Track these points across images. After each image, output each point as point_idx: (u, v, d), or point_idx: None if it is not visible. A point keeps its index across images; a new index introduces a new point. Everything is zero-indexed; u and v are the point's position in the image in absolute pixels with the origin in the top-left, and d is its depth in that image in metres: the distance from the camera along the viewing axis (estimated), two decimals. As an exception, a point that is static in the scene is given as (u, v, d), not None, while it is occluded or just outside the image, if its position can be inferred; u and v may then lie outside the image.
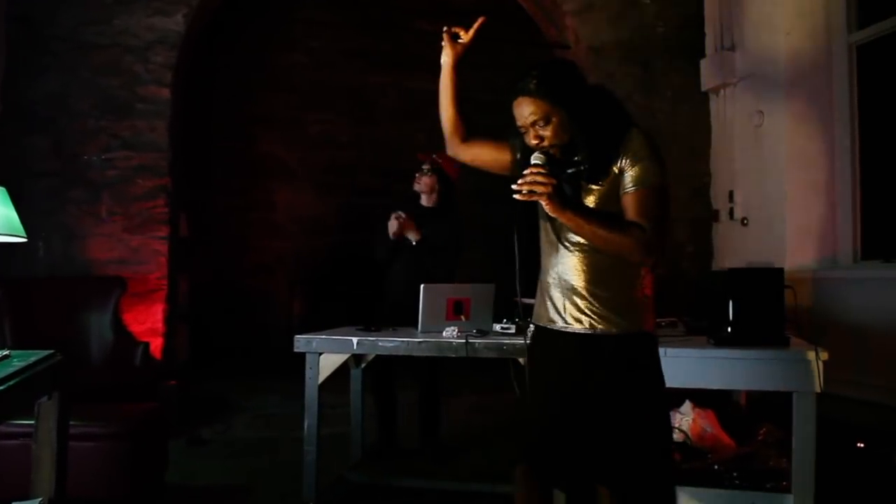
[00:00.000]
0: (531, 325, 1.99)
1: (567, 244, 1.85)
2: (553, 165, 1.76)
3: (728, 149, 4.73)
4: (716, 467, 2.83)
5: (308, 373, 2.90)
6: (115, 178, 4.50)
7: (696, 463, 2.87)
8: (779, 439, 3.00)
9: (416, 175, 3.78)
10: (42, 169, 4.44)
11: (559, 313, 1.86)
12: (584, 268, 1.83)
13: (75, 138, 4.48)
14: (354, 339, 2.90)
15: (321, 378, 2.91)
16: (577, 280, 1.84)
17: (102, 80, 4.51)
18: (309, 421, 2.89)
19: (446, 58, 2.01)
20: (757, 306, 2.55)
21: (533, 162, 1.75)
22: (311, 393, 2.89)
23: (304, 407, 2.90)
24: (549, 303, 1.89)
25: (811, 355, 2.41)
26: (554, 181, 1.70)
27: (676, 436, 3.09)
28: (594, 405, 1.79)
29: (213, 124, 6.86)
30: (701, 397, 3.24)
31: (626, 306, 1.82)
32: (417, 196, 3.80)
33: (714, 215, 4.89)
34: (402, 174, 4.64)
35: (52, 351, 2.07)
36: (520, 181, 1.70)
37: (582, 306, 1.82)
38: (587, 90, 1.85)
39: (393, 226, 3.56)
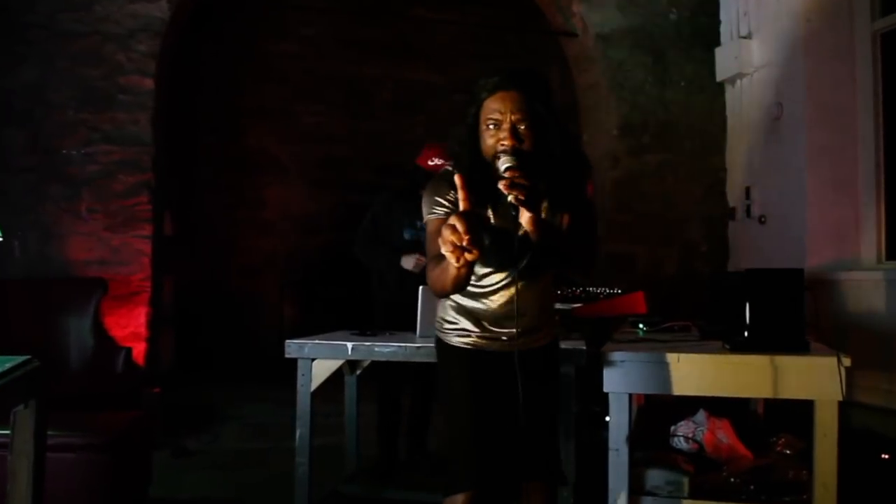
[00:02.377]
0: (445, 345, 2.03)
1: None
2: (524, 170, 1.70)
3: (745, 142, 4.73)
4: (732, 480, 2.83)
5: (300, 380, 2.90)
6: (96, 173, 4.50)
7: (710, 475, 2.87)
8: (798, 450, 3.00)
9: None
10: (18, 164, 4.44)
11: (493, 332, 1.97)
12: (524, 286, 1.91)
13: (53, 132, 4.47)
14: (349, 344, 2.90)
15: (314, 385, 2.91)
16: (513, 298, 1.92)
17: (82, 69, 4.51)
18: (301, 431, 2.88)
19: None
20: (775, 309, 2.54)
21: (507, 165, 1.69)
22: (303, 401, 2.89)
23: (295, 416, 2.90)
24: (478, 322, 1.97)
25: (832, 361, 2.41)
26: (529, 184, 1.66)
27: (691, 446, 3.09)
28: (529, 412, 1.89)
29: (199, 117, 6.86)
30: (716, 406, 3.23)
31: (551, 317, 2.07)
32: (415, 189, 3.69)
33: (730, 213, 4.89)
34: (399, 169, 4.65)
35: (28, 357, 2.06)
36: (503, 183, 1.66)
37: (522, 323, 1.94)
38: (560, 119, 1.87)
39: (410, 265, 3.55)
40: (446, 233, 1.46)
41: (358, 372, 3.56)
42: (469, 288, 1.93)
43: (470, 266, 1.62)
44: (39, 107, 4.48)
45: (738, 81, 4.75)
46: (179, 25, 4.87)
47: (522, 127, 1.77)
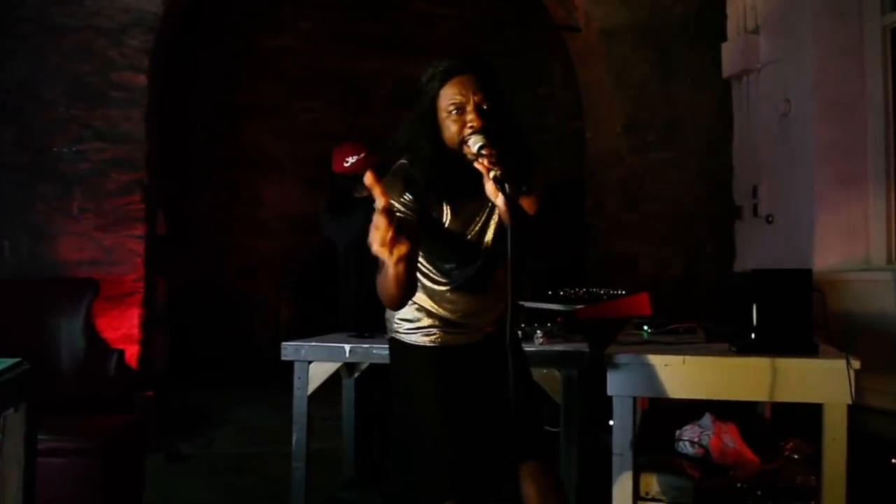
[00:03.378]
0: (403, 345, 2.02)
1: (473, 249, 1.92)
2: (497, 148, 1.73)
3: (752, 140, 4.73)
4: (738, 485, 2.83)
5: (296, 383, 2.90)
6: (87, 171, 4.50)
7: (716, 480, 2.87)
8: (806, 455, 3.01)
9: (358, 186, 3.48)
10: (7, 162, 4.43)
11: (459, 327, 1.97)
12: (486, 273, 1.94)
13: (44, 128, 4.47)
14: (347, 347, 2.90)
15: (311, 388, 2.91)
16: (480, 284, 1.95)
17: (73, 65, 4.51)
18: (297, 435, 2.89)
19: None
20: (783, 311, 2.54)
21: (479, 144, 1.71)
22: (299, 405, 2.89)
23: (292, 420, 2.90)
24: (443, 318, 1.96)
25: (841, 364, 2.41)
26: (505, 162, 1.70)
27: (696, 451, 3.10)
28: (507, 395, 1.87)
29: (193, 114, 6.86)
30: (722, 409, 3.24)
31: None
32: (345, 198, 3.58)
33: (736, 212, 4.89)
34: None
35: (18, 359, 2.06)
36: (482, 162, 1.69)
37: (489, 310, 1.98)
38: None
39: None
40: (372, 233, 1.45)
41: (356, 375, 3.56)
42: (432, 285, 1.95)
43: (409, 264, 1.60)
44: (30, 103, 4.47)
45: (745, 77, 4.75)
46: (173, 20, 4.87)
47: (486, 106, 1.78)
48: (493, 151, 1.69)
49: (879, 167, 4.03)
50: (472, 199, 1.86)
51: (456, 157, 1.78)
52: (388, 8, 7.09)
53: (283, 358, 2.92)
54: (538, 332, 2.92)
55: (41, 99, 4.48)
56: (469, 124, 1.76)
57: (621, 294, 3.57)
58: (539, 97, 6.93)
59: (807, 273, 2.62)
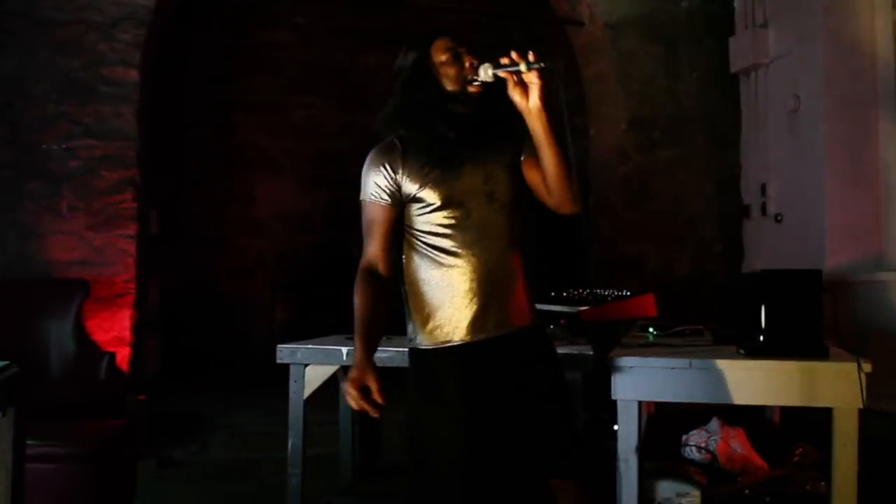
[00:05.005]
0: (420, 351, 1.96)
1: (484, 214, 1.89)
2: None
3: (760, 137, 4.73)
4: (746, 492, 2.83)
5: (292, 386, 2.89)
6: (78, 169, 4.50)
7: (724, 487, 2.88)
8: (816, 461, 3.00)
9: None
10: (-4, 159, 4.44)
11: (480, 320, 1.88)
12: (501, 255, 1.90)
13: (33, 125, 4.47)
14: (344, 349, 2.90)
15: (307, 392, 2.90)
16: (496, 269, 1.89)
17: (63, 60, 4.51)
18: (293, 440, 2.88)
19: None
20: (792, 312, 2.54)
21: (492, 64, 1.80)
22: (295, 409, 2.89)
23: (287, 424, 2.90)
24: (462, 311, 1.88)
25: (853, 367, 2.41)
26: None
27: (703, 456, 3.10)
28: (531, 409, 1.86)
29: (186, 110, 6.86)
30: (730, 414, 3.24)
31: (530, 290, 1.97)
32: None
33: (745, 211, 4.89)
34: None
35: (6, 362, 2.06)
36: (515, 54, 1.75)
37: (508, 302, 1.90)
38: None
39: None
40: (354, 393, 1.77)
41: (353, 378, 3.55)
42: (435, 254, 1.89)
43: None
44: (18, 99, 4.47)
45: (754, 73, 4.75)
46: (165, 14, 4.87)
47: (470, 54, 1.88)
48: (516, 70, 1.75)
49: (892, 165, 4.03)
50: (481, 145, 1.92)
51: (459, 99, 1.87)
52: (386, 1, 7.09)
53: (278, 361, 2.91)
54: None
55: (30, 95, 4.48)
56: (469, 63, 1.86)
57: (626, 295, 3.56)
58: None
59: (817, 274, 2.62)
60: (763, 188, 4.67)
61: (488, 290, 1.88)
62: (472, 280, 1.87)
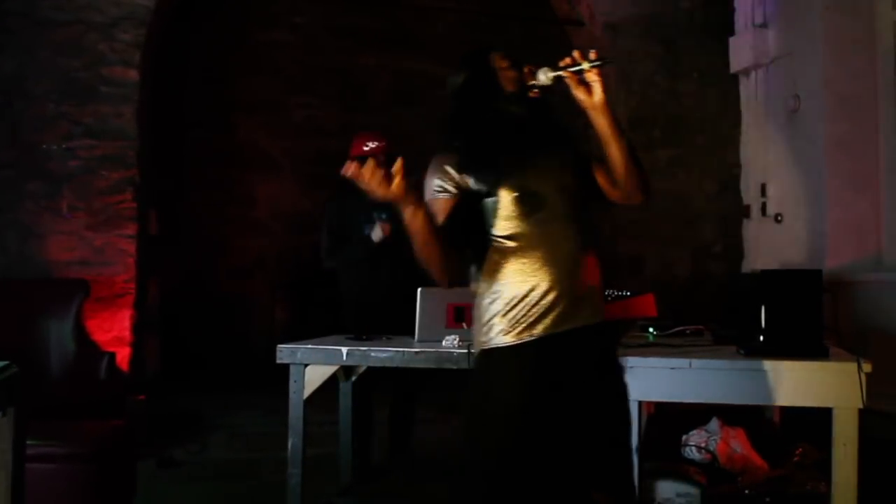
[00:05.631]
0: (491, 346, 1.90)
1: (556, 207, 1.90)
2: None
3: (760, 137, 4.73)
4: (746, 492, 2.83)
5: (292, 386, 2.89)
6: (77, 169, 4.50)
7: (724, 487, 2.88)
8: (816, 460, 3.01)
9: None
10: (-5, 159, 4.44)
11: (555, 315, 1.85)
12: (573, 240, 1.90)
13: (32, 125, 4.47)
14: (344, 350, 2.90)
15: (307, 392, 2.91)
16: (572, 264, 1.89)
17: (63, 60, 4.51)
18: (293, 440, 2.89)
19: (409, 206, 1.75)
20: (792, 312, 2.55)
21: (551, 68, 1.87)
22: (295, 409, 2.89)
23: (287, 424, 2.90)
24: (537, 306, 1.84)
25: (852, 367, 2.41)
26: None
27: (703, 456, 3.10)
28: (596, 408, 1.84)
29: (186, 110, 6.86)
30: (730, 414, 3.24)
31: (602, 287, 2.01)
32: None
33: (745, 211, 4.89)
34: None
35: (6, 362, 2.07)
36: (577, 53, 1.83)
37: (582, 294, 1.89)
38: None
39: (386, 230, 3.58)
40: (370, 189, 1.67)
41: (353, 378, 3.56)
42: (508, 244, 1.88)
43: (428, 221, 1.76)
44: (18, 99, 4.47)
45: (754, 73, 4.75)
46: (165, 14, 4.87)
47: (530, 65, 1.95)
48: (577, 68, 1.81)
49: (892, 164, 4.03)
50: (544, 144, 1.97)
51: (519, 101, 1.94)
52: (386, 1, 7.09)
53: (278, 361, 2.92)
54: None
55: (30, 95, 4.48)
56: (527, 69, 1.94)
57: (626, 295, 3.56)
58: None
59: (817, 274, 2.63)
60: (763, 188, 4.67)
61: (563, 285, 1.86)
62: (547, 273, 1.85)
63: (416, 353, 2.85)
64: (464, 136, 1.93)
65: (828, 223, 4.13)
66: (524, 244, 1.87)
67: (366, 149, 3.71)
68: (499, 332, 1.87)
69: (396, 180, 1.67)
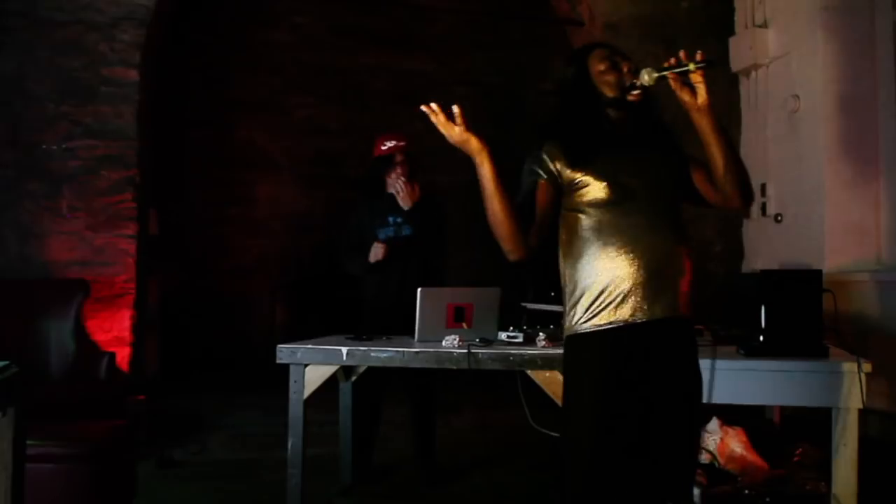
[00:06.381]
0: (575, 332, 1.92)
1: (648, 199, 1.91)
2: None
3: (760, 137, 4.73)
4: (746, 492, 2.83)
5: (292, 387, 2.90)
6: (78, 169, 4.50)
7: (723, 487, 2.88)
8: (816, 461, 3.00)
9: (389, 171, 3.72)
10: (-5, 159, 4.44)
11: (637, 301, 1.86)
12: (659, 234, 1.90)
13: (33, 125, 4.47)
14: (344, 350, 2.90)
15: (307, 393, 2.91)
16: (662, 256, 1.90)
17: (63, 60, 4.51)
18: (293, 440, 2.89)
19: (484, 163, 1.84)
20: (792, 312, 2.55)
21: (654, 69, 1.90)
22: (295, 409, 2.89)
23: (287, 425, 2.90)
24: (621, 291, 1.86)
25: (852, 367, 2.41)
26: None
27: (703, 456, 3.09)
28: (671, 412, 1.84)
29: (186, 110, 6.86)
30: (730, 414, 3.23)
31: (693, 286, 2.00)
32: (380, 185, 3.77)
33: (744, 211, 4.89)
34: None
35: (6, 362, 2.06)
36: (682, 56, 1.87)
37: (664, 287, 1.90)
38: None
39: (378, 254, 3.58)
40: (449, 137, 1.83)
41: (353, 378, 3.56)
42: (588, 231, 1.89)
43: (497, 180, 1.81)
44: (17, 99, 4.47)
45: (754, 73, 4.75)
46: (165, 14, 4.87)
47: (631, 64, 1.98)
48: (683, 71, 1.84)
49: (891, 165, 4.03)
50: (641, 143, 1.99)
51: (619, 105, 1.96)
52: (386, 1, 7.09)
53: (278, 361, 2.92)
54: (541, 334, 2.93)
55: (30, 95, 4.48)
56: (627, 69, 1.95)
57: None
58: (541, 92, 6.93)
59: (817, 274, 2.63)
60: (763, 188, 4.67)
61: (645, 276, 1.87)
62: (629, 264, 1.87)
63: (417, 352, 2.85)
64: (563, 131, 1.95)
65: (827, 223, 4.13)
66: (609, 233, 1.89)
67: (384, 148, 3.73)
68: (580, 319, 1.90)
69: (460, 124, 1.80)
